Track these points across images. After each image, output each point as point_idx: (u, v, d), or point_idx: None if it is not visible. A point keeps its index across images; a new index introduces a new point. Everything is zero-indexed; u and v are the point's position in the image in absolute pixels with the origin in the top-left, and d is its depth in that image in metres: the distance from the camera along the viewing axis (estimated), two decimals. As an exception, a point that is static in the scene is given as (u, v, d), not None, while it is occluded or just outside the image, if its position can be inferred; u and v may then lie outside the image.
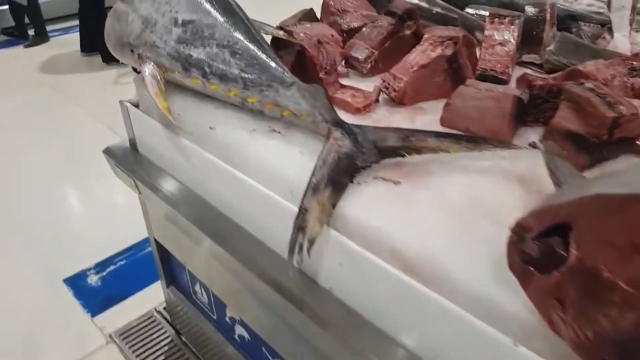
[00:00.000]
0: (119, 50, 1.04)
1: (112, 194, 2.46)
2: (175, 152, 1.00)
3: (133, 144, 1.17)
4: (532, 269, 0.51)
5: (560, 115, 0.79)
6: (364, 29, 1.11)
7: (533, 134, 0.85)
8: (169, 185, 1.04)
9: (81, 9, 4.29)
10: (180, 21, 0.96)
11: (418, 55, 0.96)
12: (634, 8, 1.14)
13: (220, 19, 0.95)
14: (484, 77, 1.01)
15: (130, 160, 1.13)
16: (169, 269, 1.41)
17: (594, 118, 0.73)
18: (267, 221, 0.84)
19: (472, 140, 0.78)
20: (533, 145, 0.81)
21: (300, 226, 0.67)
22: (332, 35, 1.09)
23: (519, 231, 0.51)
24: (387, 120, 0.92)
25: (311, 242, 0.66)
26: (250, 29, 0.96)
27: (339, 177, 0.73)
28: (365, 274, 0.69)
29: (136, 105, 1.12)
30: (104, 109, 3.21)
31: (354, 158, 0.75)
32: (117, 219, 2.28)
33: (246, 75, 0.89)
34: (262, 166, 0.84)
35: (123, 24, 1.01)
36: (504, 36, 1.06)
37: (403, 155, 0.77)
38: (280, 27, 1.09)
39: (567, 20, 1.33)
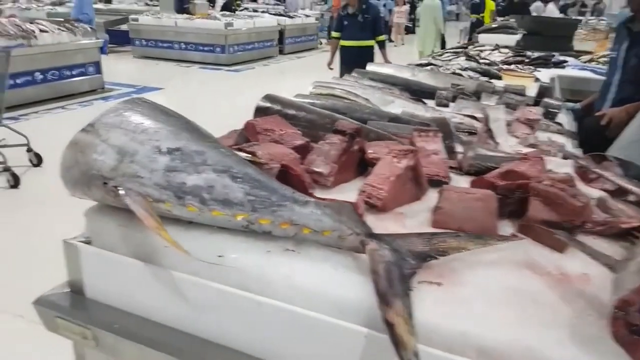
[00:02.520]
0: (84, 184, 0.90)
1: None
2: (162, 289, 0.88)
3: (78, 289, 0.98)
4: (637, 336, 0.61)
5: (533, 209, 0.96)
6: (318, 146, 1.19)
7: (505, 226, 1.01)
8: (146, 330, 0.89)
9: None
10: (164, 149, 0.90)
11: (387, 167, 1.06)
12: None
13: (205, 144, 0.93)
14: (431, 182, 1.17)
15: (81, 308, 0.94)
16: None
17: (565, 208, 0.92)
18: (317, 351, 0.79)
19: (481, 237, 0.89)
20: (515, 236, 0.96)
21: (397, 342, 0.66)
22: (291, 154, 1.13)
23: (624, 307, 0.61)
24: (382, 227, 0.98)
25: (417, 355, 0.66)
26: (233, 153, 0.96)
27: (400, 286, 0.75)
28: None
29: (89, 242, 0.96)
30: None
31: (401, 266, 0.79)
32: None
33: (253, 198, 0.87)
34: (295, 289, 0.81)
35: (90, 156, 0.89)
36: (433, 146, 1.25)
37: (436, 258, 0.83)
38: (240, 149, 1.10)
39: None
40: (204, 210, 0.87)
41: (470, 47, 4.39)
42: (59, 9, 12.12)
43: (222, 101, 7.49)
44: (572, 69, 3.90)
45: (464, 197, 0.97)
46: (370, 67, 2.53)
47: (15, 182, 4.04)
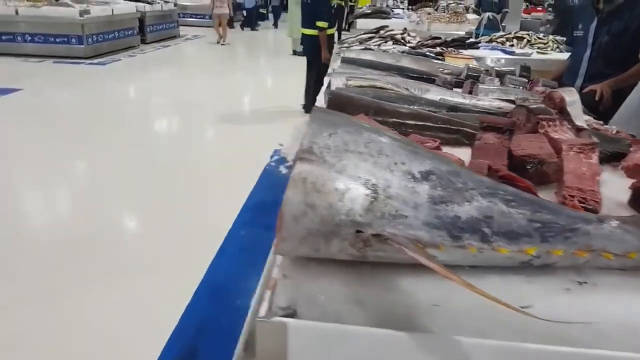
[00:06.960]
0: (322, 237, 0.61)
1: None
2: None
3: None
4: None
5: None
6: (477, 148, 1.01)
7: None
8: None
9: None
10: (417, 175, 0.66)
11: (582, 165, 0.94)
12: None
13: (449, 161, 0.71)
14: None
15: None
16: None
17: None
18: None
19: None
20: None
21: None
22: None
23: None
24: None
25: None
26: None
27: None
28: None
29: (292, 314, 0.67)
30: None
31: None
32: None
33: (539, 225, 0.68)
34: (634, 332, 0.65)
35: (332, 195, 0.61)
36: (567, 136, 1.15)
37: None
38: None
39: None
40: (485, 249, 0.66)
41: (381, 31, 4.39)
42: None
43: (105, 100, 6.59)
44: (484, 50, 4.17)
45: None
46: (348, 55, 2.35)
47: None
